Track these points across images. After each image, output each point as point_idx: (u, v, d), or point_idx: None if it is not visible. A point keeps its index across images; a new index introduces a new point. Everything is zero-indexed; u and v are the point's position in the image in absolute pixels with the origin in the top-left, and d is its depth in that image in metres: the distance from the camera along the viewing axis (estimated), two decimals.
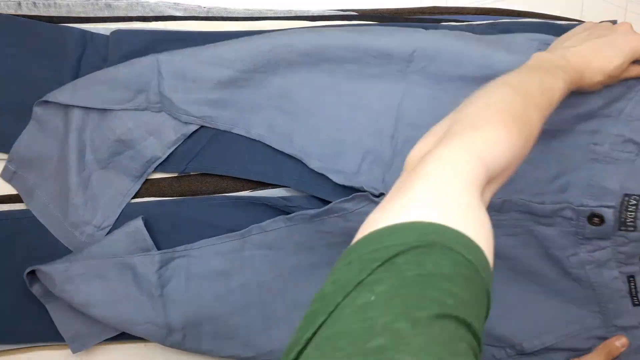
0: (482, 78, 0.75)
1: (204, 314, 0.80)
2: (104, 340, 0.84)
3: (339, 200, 0.76)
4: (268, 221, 0.80)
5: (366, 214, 0.72)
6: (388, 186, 0.73)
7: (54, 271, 0.78)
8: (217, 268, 0.81)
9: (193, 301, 0.80)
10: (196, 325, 0.80)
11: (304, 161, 0.79)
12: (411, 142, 0.74)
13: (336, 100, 0.78)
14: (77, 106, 0.79)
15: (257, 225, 0.80)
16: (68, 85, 0.80)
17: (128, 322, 0.80)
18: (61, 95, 0.79)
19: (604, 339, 0.75)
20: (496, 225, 0.73)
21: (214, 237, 0.81)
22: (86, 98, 0.79)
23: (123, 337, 0.84)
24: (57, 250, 0.83)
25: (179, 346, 0.81)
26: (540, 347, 0.77)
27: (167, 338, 0.80)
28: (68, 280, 0.78)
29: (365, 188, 0.76)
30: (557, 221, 0.73)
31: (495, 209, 0.73)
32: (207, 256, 0.81)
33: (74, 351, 0.83)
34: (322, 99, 0.78)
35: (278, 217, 0.80)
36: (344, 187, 0.78)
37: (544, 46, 0.73)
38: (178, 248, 0.80)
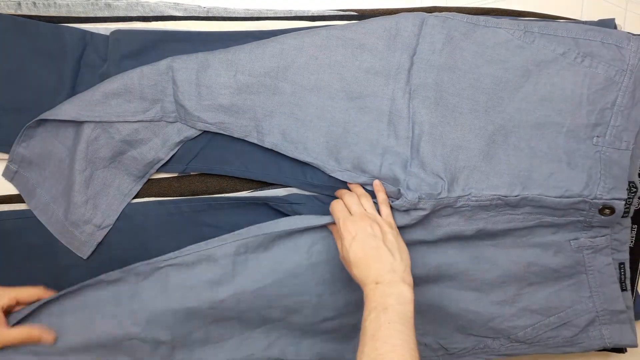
0: (477, 68, 0.77)
1: (192, 323, 0.79)
2: None
3: None
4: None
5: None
6: (410, 187, 0.74)
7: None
8: (206, 276, 0.78)
9: (178, 313, 0.78)
10: (185, 335, 0.79)
11: (321, 168, 0.79)
12: (428, 139, 0.76)
13: (347, 105, 0.78)
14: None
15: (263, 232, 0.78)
16: (79, 98, 0.79)
17: (111, 341, 0.77)
18: (73, 111, 0.78)
19: (591, 323, 0.81)
20: (510, 220, 0.76)
21: (207, 241, 0.78)
22: (102, 114, 0.78)
23: None
24: (57, 250, 0.83)
25: (169, 357, 0.79)
26: (535, 335, 0.81)
27: (155, 351, 0.78)
28: (44, 309, 0.77)
29: (389, 194, 0.77)
30: (569, 212, 0.76)
31: (512, 205, 0.75)
32: (195, 263, 0.78)
33: None
34: (333, 104, 0.78)
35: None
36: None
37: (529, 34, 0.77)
38: (166, 256, 0.78)
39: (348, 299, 0.81)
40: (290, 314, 0.81)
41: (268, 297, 0.79)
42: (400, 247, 0.70)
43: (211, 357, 0.80)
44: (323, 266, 0.80)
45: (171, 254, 0.78)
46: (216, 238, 0.79)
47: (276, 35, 0.80)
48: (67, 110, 0.79)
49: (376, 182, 0.77)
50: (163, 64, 0.78)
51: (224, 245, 0.78)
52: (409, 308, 0.64)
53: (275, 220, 0.80)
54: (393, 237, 0.70)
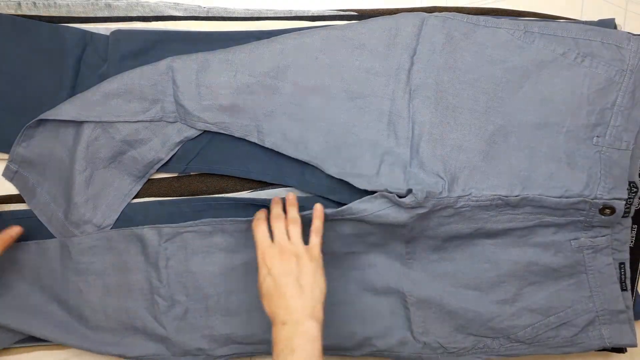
0: (477, 68, 0.77)
1: (206, 288, 0.82)
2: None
3: (360, 200, 0.76)
4: None
5: (387, 215, 0.75)
6: (410, 187, 0.74)
7: (70, 243, 0.81)
8: (222, 244, 0.82)
9: (196, 275, 0.82)
10: (198, 300, 0.82)
11: (320, 167, 0.79)
12: (428, 139, 0.76)
13: (347, 105, 0.78)
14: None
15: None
16: (79, 98, 0.79)
17: (137, 291, 0.82)
18: (73, 111, 0.78)
19: (591, 323, 0.80)
20: (510, 220, 0.76)
21: (221, 219, 0.81)
22: (102, 114, 0.79)
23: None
24: None
25: (180, 321, 0.82)
26: (534, 335, 0.81)
27: (169, 311, 0.82)
28: (82, 252, 0.81)
29: (390, 190, 0.75)
30: (569, 212, 0.76)
31: (512, 205, 0.75)
32: (212, 233, 0.82)
33: None
34: (334, 105, 0.78)
35: None
36: (352, 188, 0.78)
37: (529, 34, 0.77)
38: (186, 224, 0.81)
39: (350, 281, 0.82)
40: None
41: None
42: (316, 282, 0.68)
43: (219, 327, 0.83)
44: (330, 255, 0.80)
45: (189, 222, 0.81)
46: (229, 219, 0.81)
47: (276, 35, 0.80)
48: (67, 110, 0.79)
49: (317, 207, 0.74)
50: (163, 64, 0.78)
51: (237, 222, 0.81)
52: (316, 346, 0.64)
53: None
54: (310, 272, 0.68)
